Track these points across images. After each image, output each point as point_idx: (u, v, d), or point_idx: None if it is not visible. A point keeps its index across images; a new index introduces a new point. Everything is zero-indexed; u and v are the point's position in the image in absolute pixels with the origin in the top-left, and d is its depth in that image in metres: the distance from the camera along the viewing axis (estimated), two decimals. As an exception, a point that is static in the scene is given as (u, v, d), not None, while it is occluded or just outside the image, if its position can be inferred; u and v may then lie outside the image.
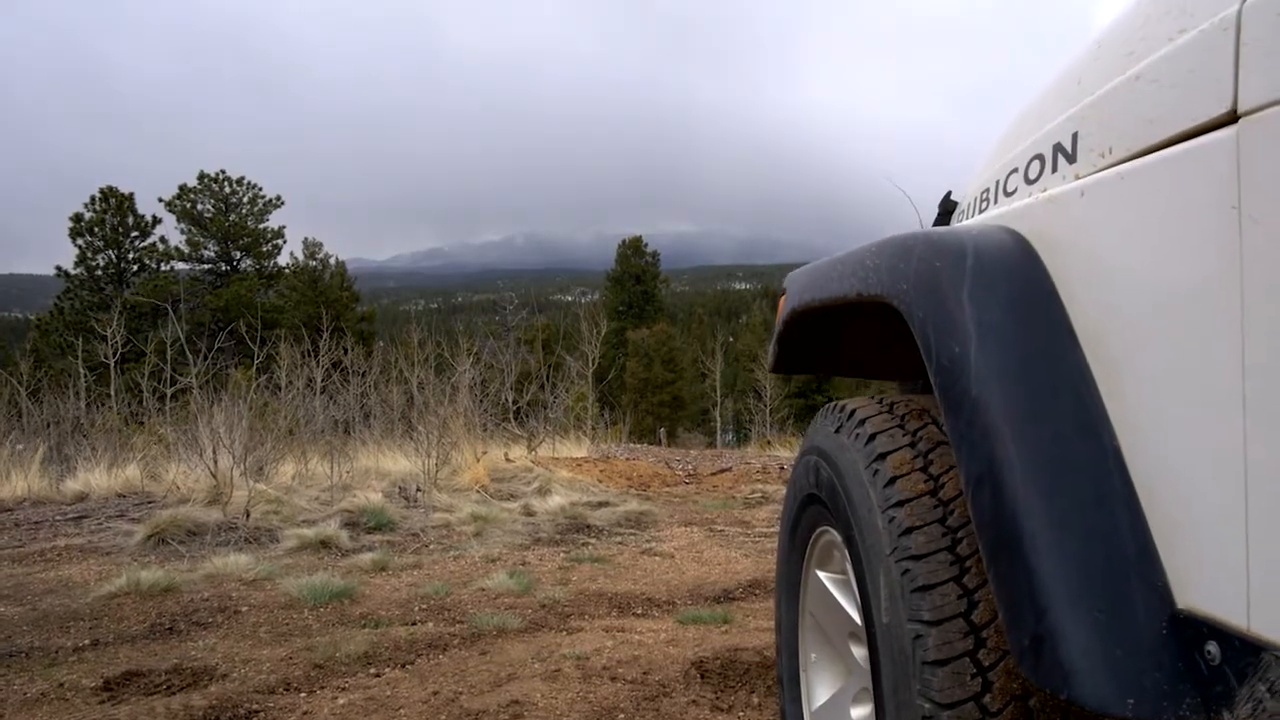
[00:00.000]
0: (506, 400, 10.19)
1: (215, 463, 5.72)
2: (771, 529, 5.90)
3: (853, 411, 1.43)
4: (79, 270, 30.12)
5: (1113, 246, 0.97)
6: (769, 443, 18.85)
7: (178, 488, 6.54)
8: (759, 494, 7.68)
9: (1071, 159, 1.10)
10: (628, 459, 10.21)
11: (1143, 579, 0.89)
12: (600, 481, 8.04)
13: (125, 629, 3.35)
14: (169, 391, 13.06)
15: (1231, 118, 0.80)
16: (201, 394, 8.28)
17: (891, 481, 1.23)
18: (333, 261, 37.38)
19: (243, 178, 32.83)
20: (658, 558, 4.78)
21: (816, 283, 1.61)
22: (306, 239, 36.76)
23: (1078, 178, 1.08)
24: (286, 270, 34.72)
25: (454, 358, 12.49)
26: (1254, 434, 0.77)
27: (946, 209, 1.79)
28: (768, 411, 26.17)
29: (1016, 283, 1.07)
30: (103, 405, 12.61)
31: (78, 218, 30.02)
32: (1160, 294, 0.89)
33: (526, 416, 11.68)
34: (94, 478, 7.05)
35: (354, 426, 13.94)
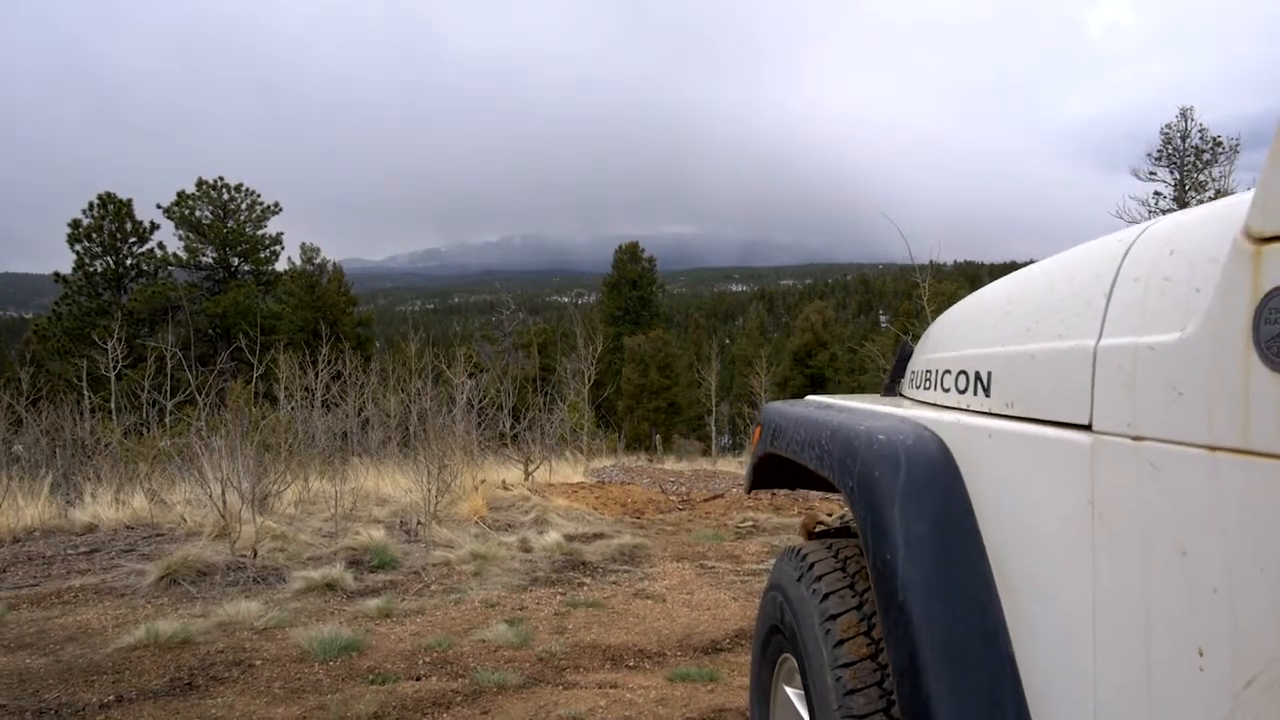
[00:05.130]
0: (504, 425, 10.40)
1: (224, 502, 5.92)
2: (761, 565, 6.12)
3: (812, 565, 1.65)
4: (77, 275, 30.24)
5: (1010, 485, 1.19)
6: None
7: (184, 520, 6.74)
8: (750, 523, 7.90)
9: (988, 393, 1.32)
10: (623, 483, 10.42)
11: (1027, 773, 1.10)
12: (595, 510, 8.25)
13: (146, 684, 3.55)
14: (169, 404, 13.25)
15: (1089, 428, 1.01)
16: (203, 421, 8.48)
17: (840, 644, 1.45)
18: (330, 266, 37.61)
19: (240, 184, 33.00)
20: (650, 600, 5.00)
21: (783, 437, 1.83)
22: (304, 244, 36.96)
23: (990, 413, 1.29)
24: (284, 275, 34.89)
25: (450, 367, 12.71)
26: (1101, 679, 0.99)
27: (904, 356, 2.00)
28: (762, 419, 26.43)
29: (939, 499, 1.29)
30: (104, 416, 12.78)
31: (76, 223, 30.13)
32: (1039, 541, 1.11)
33: (524, 431, 11.91)
34: (102, 509, 7.23)
35: (352, 437, 14.18)
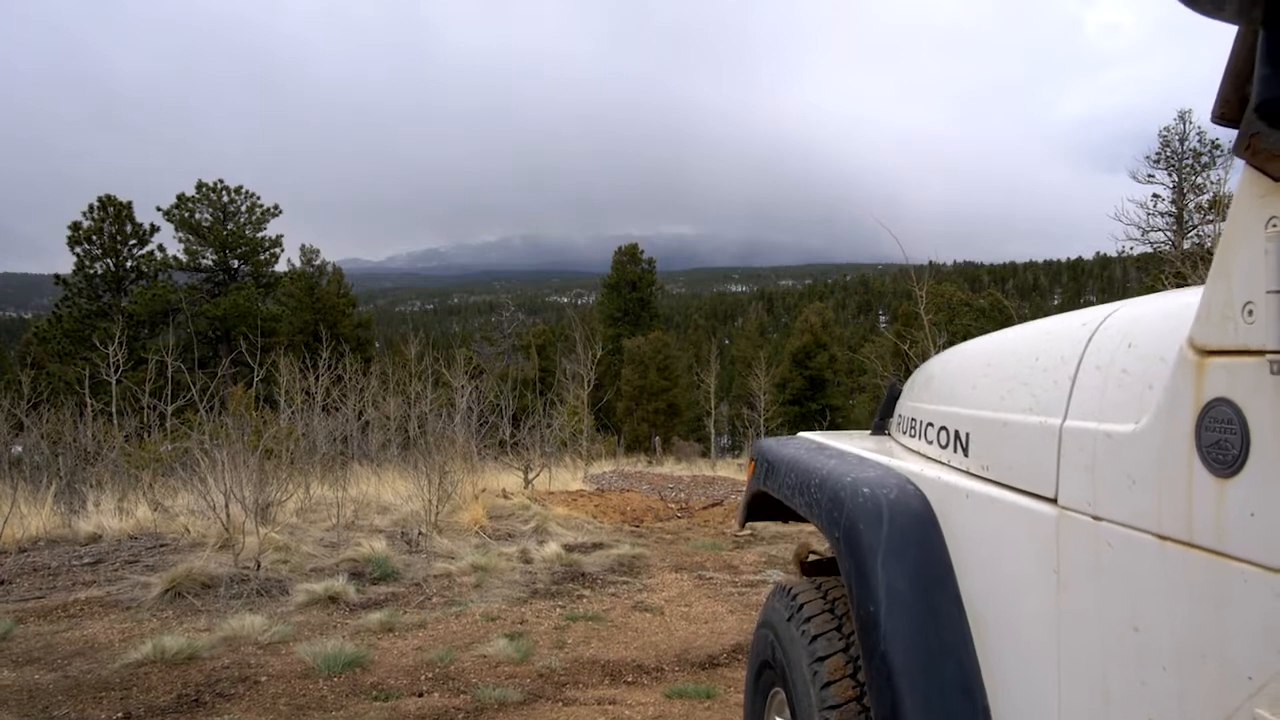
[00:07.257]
0: (504, 432, 10.46)
1: (227, 515, 5.98)
2: (758, 575, 6.19)
3: (802, 606, 1.71)
4: (77, 278, 30.28)
5: (985, 546, 1.26)
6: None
7: (188, 531, 6.81)
8: (748, 531, 7.97)
9: (966, 453, 1.39)
10: (622, 490, 10.49)
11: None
12: (594, 518, 8.32)
13: (154, 700, 3.62)
14: (169, 409, 13.31)
15: (1055, 501, 1.08)
16: (205, 432, 8.55)
17: (827, 685, 1.52)
18: (329, 267, 37.71)
19: (240, 186, 33.03)
20: (648, 613, 5.07)
21: (774, 478, 1.90)
22: (304, 245, 37.09)
23: (969, 472, 1.36)
24: (284, 277, 34.96)
25: (450, 369, 12.78)
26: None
27: (893, 396, 2.07)
28: (761, 421, 26.57)
29: (920, 554, 1.36)
30: (105, 421, 12.85)
31: (76, 226, 30.16)
32: (1011, 602, 1.18)
33: (524, 437, 11.99)
34: (105, 518, 7.29)
35: (352, 441, 14.25)
